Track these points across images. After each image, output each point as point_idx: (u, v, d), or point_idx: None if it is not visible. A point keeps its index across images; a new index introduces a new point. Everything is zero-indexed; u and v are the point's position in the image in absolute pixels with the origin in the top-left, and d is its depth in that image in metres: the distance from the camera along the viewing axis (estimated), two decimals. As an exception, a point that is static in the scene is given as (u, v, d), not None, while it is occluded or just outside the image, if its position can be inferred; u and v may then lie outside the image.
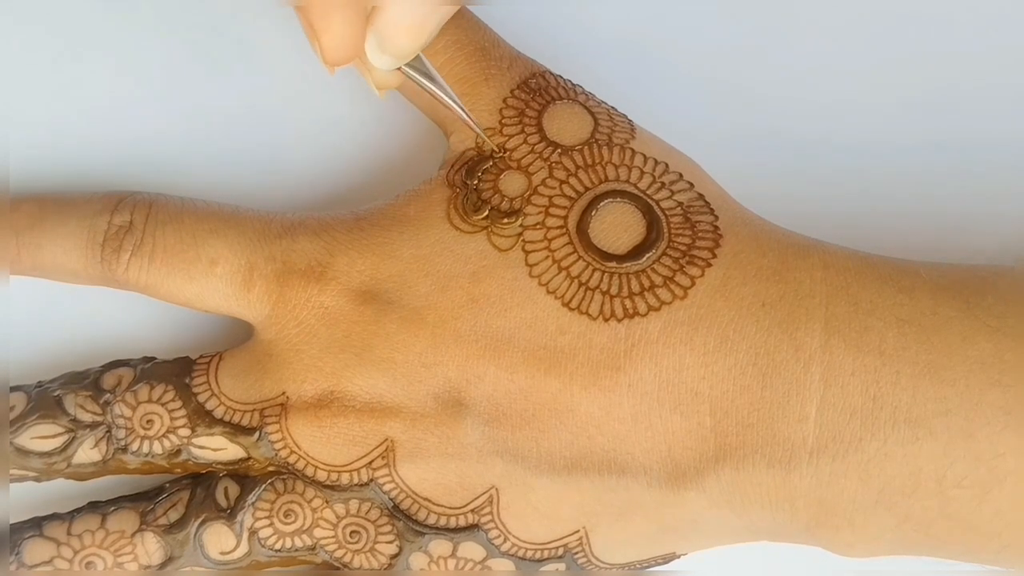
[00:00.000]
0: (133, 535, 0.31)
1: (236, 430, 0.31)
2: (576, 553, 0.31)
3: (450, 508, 0.31)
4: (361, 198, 0.34)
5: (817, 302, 0.30)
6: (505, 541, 0.31)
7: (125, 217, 0.32)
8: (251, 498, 0.31)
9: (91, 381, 0.32)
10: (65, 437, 0.31)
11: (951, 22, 0.36)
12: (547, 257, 0.31)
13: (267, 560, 0.31)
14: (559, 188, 0.31)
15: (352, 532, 0.31)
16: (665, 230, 0.31)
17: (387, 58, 0.29)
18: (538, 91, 0.32)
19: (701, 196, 0.32)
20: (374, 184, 0.35)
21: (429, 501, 0.31)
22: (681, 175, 0.32)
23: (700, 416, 0.30)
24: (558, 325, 0.30)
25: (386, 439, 0.31)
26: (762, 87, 0.36)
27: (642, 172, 0.32)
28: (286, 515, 0.31)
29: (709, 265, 0.30)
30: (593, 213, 0.31)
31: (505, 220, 0.31)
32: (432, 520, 0.31)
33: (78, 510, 0.32)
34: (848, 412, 0.29)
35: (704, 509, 0.30)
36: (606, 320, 0.30)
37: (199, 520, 0.31)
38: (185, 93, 0.35)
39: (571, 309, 0.30)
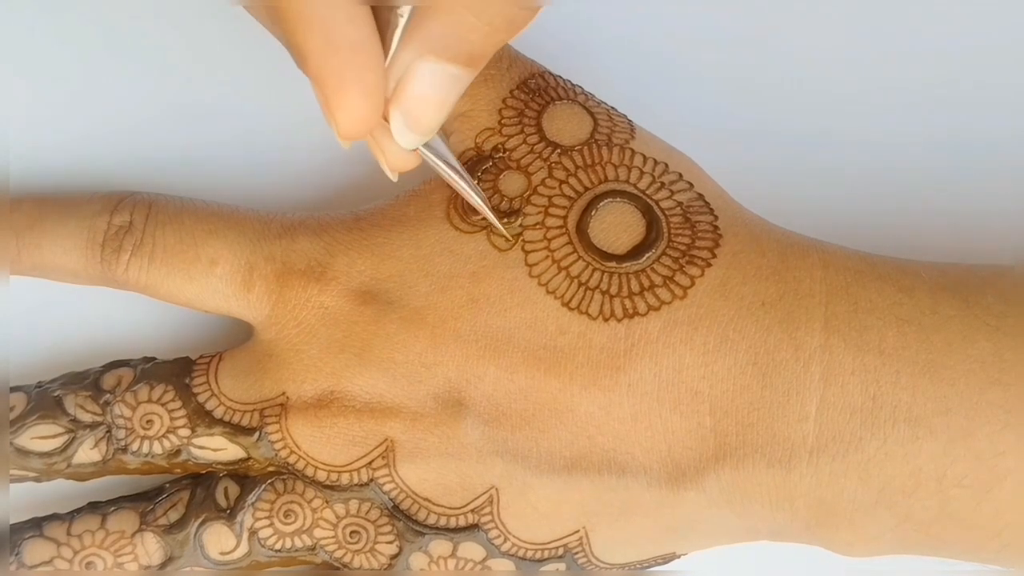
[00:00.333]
0: (133, 535, 0.31)
1: (236, 430, 0.31)
2: (576, 553, 0.31)
3: (450, 508, 0.31)
4: (361, 198, 0.34)
5: (817, 301, 0.30)
6: (505, 541, 0.31)
7: (125, 217, 0.32)
8: (251, 498, 0.31)
9: (91, 381, 0.32)
10: (65, 437, 0.31)
11: (951, 21, 0.36)
12: (547, 257, 0.31)
13: (267, 560, 0.31)
14: (559, 188, 0.31)
15: (352, 532, 0.31)
16: (665, 230, 0.31)
17: (413, 135, 0.28)
18: (537, 91, 0.32)
19: (701, 196, 0.32)
20: (374, 184, 0.35)
21: (429, 501, 0.31)
22: (681, 175, 0.32)
23: (700, 416, 0.30)
24: (558, 325, 0.30)
25: (386, 439, 0.31)
26: (762, 87, 0.36)
27: (642, 172, 0.32)
28: (286, 515, 0.31)
29: (709, 265, 0.30)
30: (593, 213, 0.31)
31: (505, 220, 0.31)
32: (432, 520, 0.31)
33: (78, 510, 0.32)
34: (848, 411, 0.29)
35: (704, 509, 0.30)
36: (606, 320, 0.30)
37: (199, 520, 0.31)
38: (185, 93, 0.35)
39: (571, 309, 0.30)
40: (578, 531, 0.31)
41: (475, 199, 0.30)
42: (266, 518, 0.31)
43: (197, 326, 0.35)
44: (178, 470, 0.32)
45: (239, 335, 0.33)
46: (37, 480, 0.32)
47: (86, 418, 0.32)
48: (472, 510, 0.31)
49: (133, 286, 0.32)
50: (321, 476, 0.31)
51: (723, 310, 0.30)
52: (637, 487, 0.30)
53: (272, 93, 0.35)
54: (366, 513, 0.31)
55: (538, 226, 0.31)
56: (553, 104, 0.32)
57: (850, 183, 0.36)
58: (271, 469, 0.32)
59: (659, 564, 0.32)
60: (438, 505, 0.31)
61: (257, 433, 0.31)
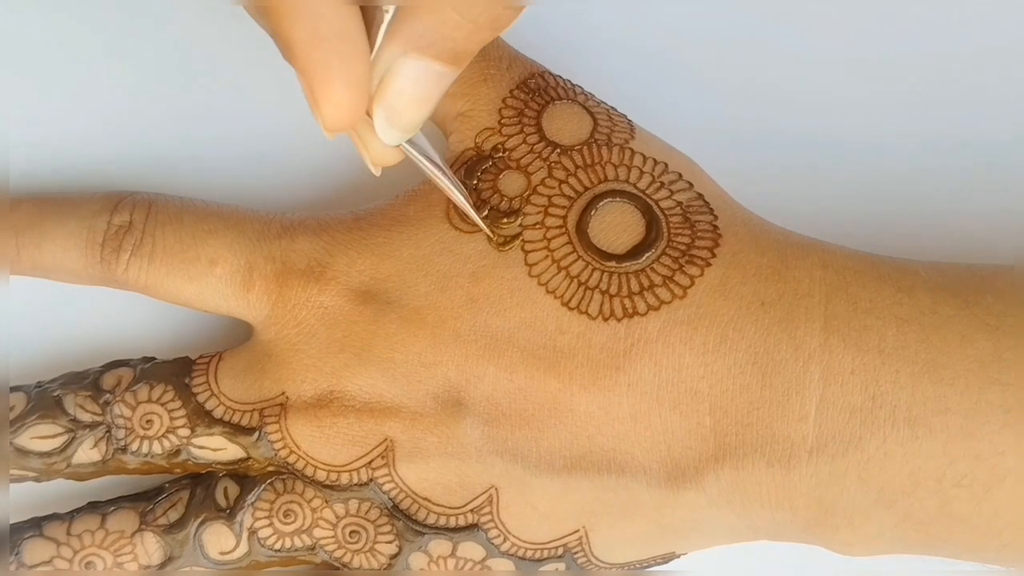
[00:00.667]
0: (133, 535, 0.31)
1: (235, 430, 0.31)
2: (576, 553, 0.31)
3: (450, 508, 0.31)
4: (361, 198, 0.34)
5: (816, 301, 0.30)
6: (505, 541, 0.31)
7: (125, 217, 0.32)
8: (251, 498, 0.31)
9: (91, 381, 0.32)
10: (65, 437, 0.31)
11: (951, 21, 0.36)
12: (546, 257, 0.31)
13: (267, 560, 0.31)
14: (558, 188, 0.31)
15: (352, 532, 0.31)
16: (664, 230, 0.31)
17: (396, 132, 0.28)
18: (537, 91, 0.32)
19: (700, 196, 0.32)
20: (374, 184, 0.35)
21: (429, 501, 0.31)
22: (680, 175, 0.32)
23: (699, 415, 0.30)
24: (557, 325, 0.30)
25: (385, 439, 0.31)
26: (762, 87, 0.36)
27: (641, 172, 0.32)
28: (286, 515, 0.31)
29: (708, 264, 0.30)
30: (592, 213, 0.31)
31: (504, 220, 0.31)
32: (432, 520, 0.31)
33: (78, 510, 0.32)
34: (847, 411, 0.29)
35: (703, 508, 0.30)
36: (605, 320, 0.30)
37: (199, 520, 0.31)
38: (185, 93, 0.35)
39: (570, 309, 0.30)
40: (578, 531, 0.31)
41: (457, 196, 0.30)
42: (266, 518, 0.31)
43: (197, 326, 0.35)
44: (178, 470, 0.32)
45: (239, 335, 0.33)
46: (37, 480, 0.32)
47: (86, 418, 0.32)
48: (472, 510, 0.31)
49: (133, 286, 0.32)
50: (321, 476, 0.31)
51: (723, 310, 0.30)
52: (637, 487, 0.30)
53: (272, 93, 0.35)
54: (366, 513, 0.31)
55: (538, 226, 0.31)
56: (553, 104, 0.32)
57: (850, 183, 0.36)
58: (271, 469, 0.32)
59: (659, 564, 0.32)
60: (438, 505, 0.31)
61: (257, 433, 0.31)
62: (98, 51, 0.35)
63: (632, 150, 0.32)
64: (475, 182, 0.31)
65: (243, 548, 0.31)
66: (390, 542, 0.31)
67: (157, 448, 0.32)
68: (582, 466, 0.30)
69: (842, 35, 0.37)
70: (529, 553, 0.31)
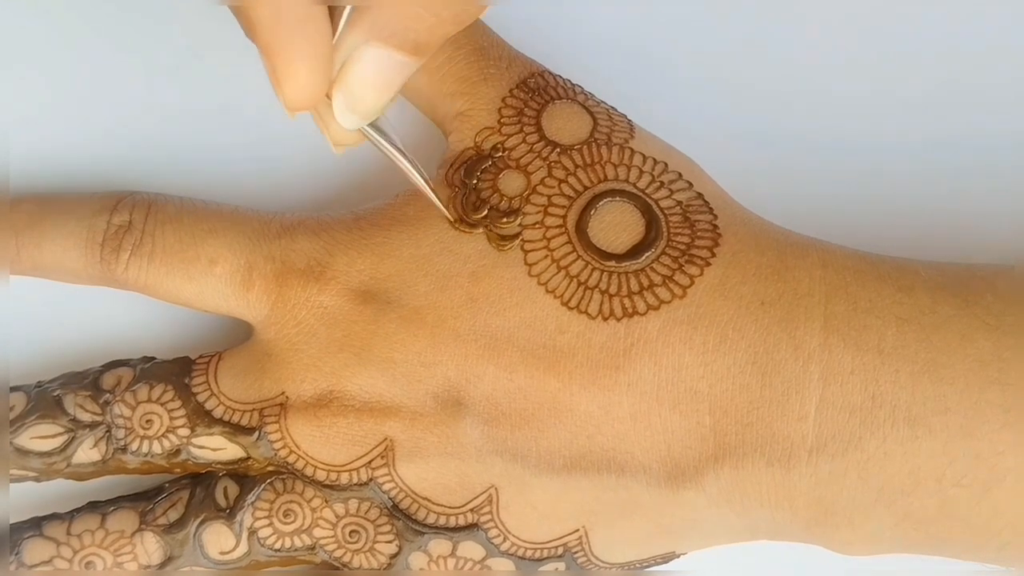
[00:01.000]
0: (133, 535, 0.31)
1: (235, 430, 0.31)
2: (576, 552, 0.31)
3: (449, 507, 0.31)
4: (361, 198, 0.34)
5: (816, 301, 0.30)
6: (504, 540, 0.31)
7: (124, 217, 0.32)
8: (250, 498, 0.31)
9: (91, 381, 0.32)
10: (65, 437, 0.31)
11: (951, 21, 0.36)
12: (546, 256, 0.31)
13: (266, 560, 0.31)
14: (558, 187, 0.31)
15: (351, 532, 0.31)
16: (664, 229, 0.31)
17: (354, 117, 0.28)
18: (537, 90, 0.32)
19: (700, 195, 0.32)
20: (373, 184, 0.35)
21: (428, 500, 0.31)
22: (680, 174, 0.32)
23: (699, 415, 0.30)
24: (557, 324, 0.30)
25: (385, 438, 0.31)
26: (761, 87, 0.36)
27: (641, 171, 0.32)
28: (285, 515, 0.31)
29: (708, 264, 0.30)
30: (592, 212, 0.31)
31: (504, 219, 0.31)
32: (431, 519, 0.31)
33: (78, 510, 0.32)
34: (847, 410, 0.29)
35: (703, 508, 0.30)
36: (605, 319, 0.30)
37: (199, 520, 0.31)
38: (185, 93, 0.35)
39: (570, 308, 0.30)
40: (577, 530, 0.31)
41: (417, 179, 0.30)
42: (265, 517, 0.31)
43: (197, 326, 0.35)
44: (178, 470, 0.32)
45: (239, 335, 0.33)
46: (37, 480, 0.32)
47: (86, 418, 0.32)
48: (471, 509, 0.31)
49: (133, 286, 0.32)
50: (320, 475, 0.31)
51: (722, 309, 0.30)
52: (636, 486, 0.30)
53: (272, 93, 0.35)
54: (365, 512, 0.31)
55: (537, 225, 0.31)
56: (552, 103, 0.32)
57: (850, 183, 0.36)
58: (271, 469, 0.32)
59: (659, 563, 0.32)
60: (437, 504, 0.31)
61: (256, 433, 0.31)
62: (98, 51, 0.35)
63: (632, 149, 0.32)
64: (475, 182, 0.31)
65: (243, 548, 0.31)
66: (390, 542, 0.31)
67: (157, 448, 0.32)
68: (582, 466, 0.30)
69: (842, 35, 0.37)
70: (529, 553, 0.31)
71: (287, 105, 0.27)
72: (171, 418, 0.31)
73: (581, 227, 0.31)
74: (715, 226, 0.31)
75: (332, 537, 0.31)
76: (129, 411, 0.32)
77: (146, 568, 0.31)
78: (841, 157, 0.36)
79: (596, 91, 0.33)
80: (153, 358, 0.33)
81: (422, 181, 0.31)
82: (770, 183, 0.35)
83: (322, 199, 0.35)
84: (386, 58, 0.27)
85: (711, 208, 0.31)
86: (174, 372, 0.32)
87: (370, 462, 0.31)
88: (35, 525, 0.31)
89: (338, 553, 0.31)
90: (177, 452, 0.32)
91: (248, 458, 0.31)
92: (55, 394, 0.32)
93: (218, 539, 0.31)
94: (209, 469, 0.32)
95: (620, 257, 0.31)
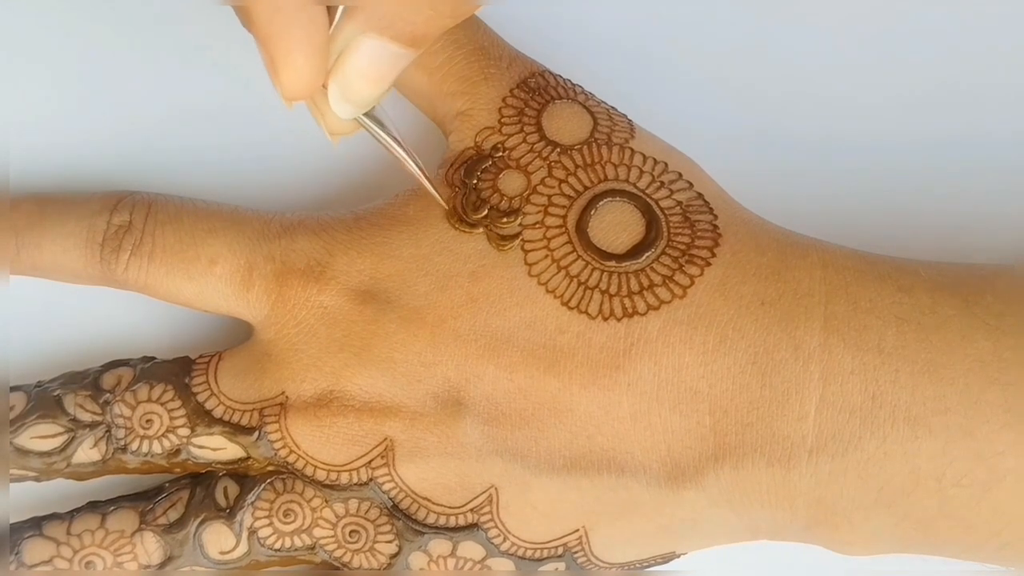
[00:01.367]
0: (133, 535, 0.31)
1: (235, 430, 0.31)
2: (576, 552, 0.31)
3: (449, 507, 0.31)
4: (361, 198, 0.34)
5: (816, 301, 0.30)
6: (504, 540, 0.31)
7: (124, 217, 0.32)
8: (250, 498, 0.31)
9: (91, 381, 0.32)
10: (65, 437, 0.31)
11: (951, 21, 0.36)
12: (546, 256, 0.31)
13: (266, 560, 0.31)
14: (558, 187, 0.31)
15: (352, 532, 0.31)
16: (664, 229, 0.31)
17: (349, 106, 0.28)
18: (537, 90, 0.32)
19: (700, 195, 0.32)
20: (374, 184, 0.35)
21: (428, 500, 0.31)
22: (680, 174, 0.32)
23: (699, 415, 0.30)
24: (557, 324, 0.30)
25: (385, 438, 0.31)
26: (762, 87, 0.36)
27: (641, 171, 0.32)
28: (285, 515, 0.31)
29: (708, 264, 0.30)
30: (592, 212, 0.31)
31: (504, 219, 0.31)
32: (431, 519, 0.31)
33: (78, 510, 0.32)
34: (847, 411, 0.29)
35: (703, 508, 0.30)
36: (605, 319, 0.30)
37: (199, 520, 0.31)
38: (185, 93, 0.35)
39: (570, 308, 0.30)
40: (577, 530, 0.31)
41: (414, 170, 0.30)
42: (265, 517, 0.31)
43: (197, 326, 0.35)
44: (178, 469, 0.32)
45: (239, 335, 0.33)
46: (37, 480, 0.32)
47: (86, 418, 0.32)
48: (471, 509, 0.31)
49: (133, 285, 0.32)
50: (320, 475, 0.31)
51: (722, 309, 0.30)
52: (636, 486, 0.30)
53: (272, 93, 0.35)
54: (365, 512, 0.31)
55: (537, 225, 0.31)
56: (553, 103, 0.32)
57: (850, 183, 0.36)
58: (271, 468, 0.32)
59: (659, 563, 0.32)
60: (437, 504, 0.31)
61: (256, 432, 0.31)
62: (98, 51, 0.35)
63: (632, 149, 0.32)
64: (475, 181, 0.32)
65: (243, 548, 0.31)
66: (390, 542, 0.31)
67: (157, 448, 0.31)
68: (582, 466, 0.30)
69: (842, 35, 0.37)
70: (529, 552, 0.31)
71: (284, 95, 0.27)
72: (171, 418, 0.31)
73: (581, 227, 0.31)
74: (715, 226, 0.31)
75: (332, 537, 0.31)
76: (129, 411, 0.32)
77: (146, 568, 0.31)
78: (841, 157, 0.36)
79: (596, 91, 0.33)
80: (153, 358, 0.33)
81: (418, 170, 0.31)
82: (770, 183, 0.35)
83: (322, 199, 0.35)
84: (382, 49, 0.27)
85: (711, 208, 0.31)
86: (174, 372, 0.32)
87: (370, 462, 0.31)
88: (35, 525, 0.31)
89: (338, 553, 0.31)
90: (177, 452, 0.32)
91: (248, 458, 0.31)
92: (55, 394, 0.32)
93: (218, 539, 0.31)
94: (209, 469, 0.32)
95: (620, 257, 0.31)
